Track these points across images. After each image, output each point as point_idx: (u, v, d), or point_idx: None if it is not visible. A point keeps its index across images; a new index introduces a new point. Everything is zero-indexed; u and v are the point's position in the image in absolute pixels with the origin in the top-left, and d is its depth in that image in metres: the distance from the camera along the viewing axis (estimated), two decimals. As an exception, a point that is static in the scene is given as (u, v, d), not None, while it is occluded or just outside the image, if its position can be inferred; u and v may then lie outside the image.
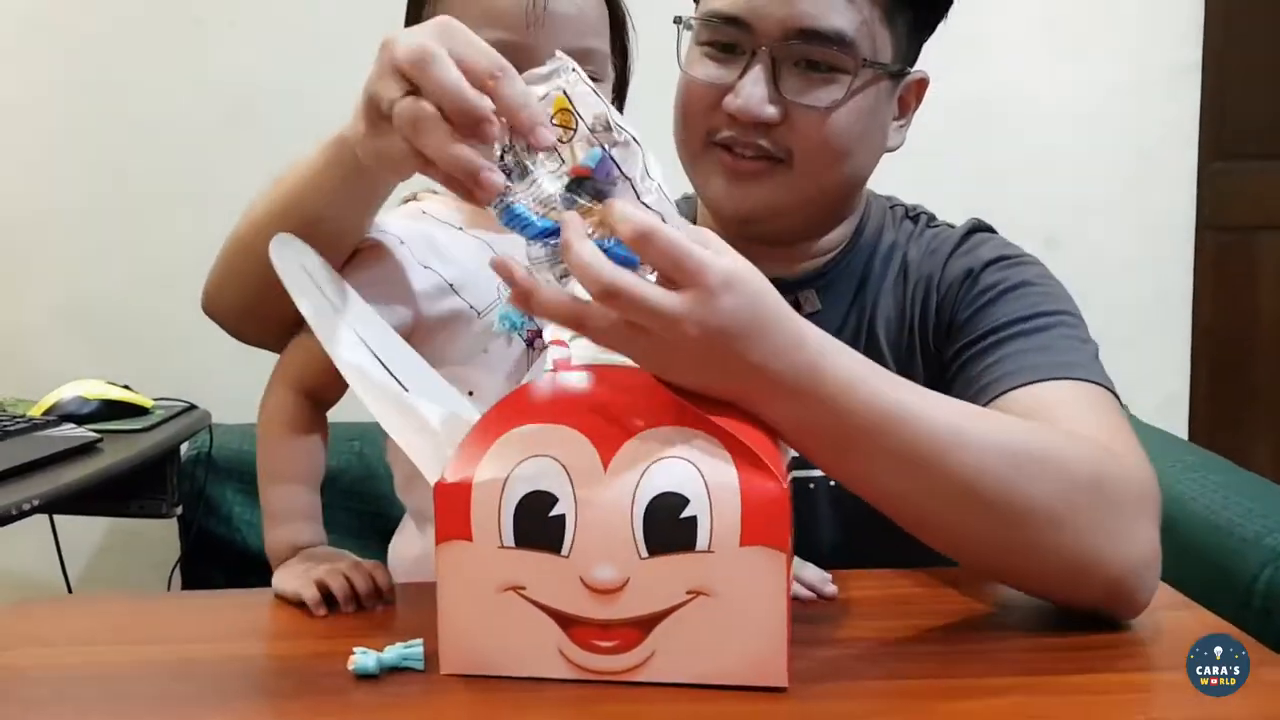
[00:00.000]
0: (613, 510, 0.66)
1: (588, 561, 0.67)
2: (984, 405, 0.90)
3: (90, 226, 2.08)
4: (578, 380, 0.70)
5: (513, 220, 0.68)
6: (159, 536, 1.79)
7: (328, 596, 0.82)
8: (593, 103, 0.68)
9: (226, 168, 2.02)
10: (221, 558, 1.73)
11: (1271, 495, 1.27)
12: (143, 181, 2.06)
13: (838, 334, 1.03)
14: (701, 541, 0.65)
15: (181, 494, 1.71)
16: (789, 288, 1.05)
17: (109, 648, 0.77)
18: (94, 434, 1.43)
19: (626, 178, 0.67)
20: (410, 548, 0.98)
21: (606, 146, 0.67)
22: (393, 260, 0.90)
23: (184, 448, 1.71)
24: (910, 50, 1.03)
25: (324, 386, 0.90)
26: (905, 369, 1.02)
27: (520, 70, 0.69)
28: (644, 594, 0.66)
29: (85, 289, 2.08)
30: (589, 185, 0.67)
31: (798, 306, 1.05)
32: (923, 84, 1.04)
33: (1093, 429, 0.82)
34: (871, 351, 1.03)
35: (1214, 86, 2.23)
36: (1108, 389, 0.90)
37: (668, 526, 0.66)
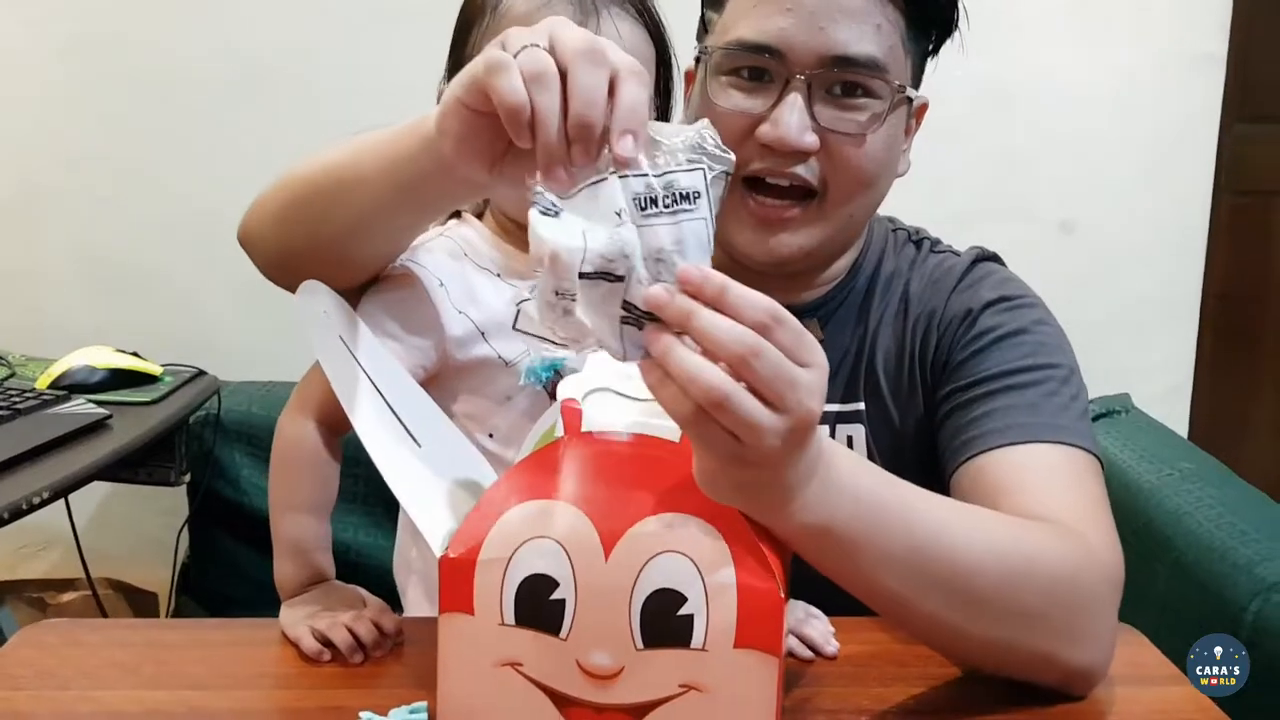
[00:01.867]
0: (611, 600, 0.68)
1: (585, 646, 0.68)
2: (966, 460, 0.91)
3: (101, 182, 2.06)
4: (585, 455, 0.71)
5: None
6: (168, 494, 1.81)
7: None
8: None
9: (237, 128, 2.01)
10: (229, 520, 1.75)
11: (1267, 516, 1.27)
12: (154, 139, 2.04)
13: (838, 364, 1.04)
14: (696, 639, 0.67)
15: (190, 455, 1.72)
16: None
17: (119, 693, 0.80)
18: (103, 410, 1.44)
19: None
20: (406, 551, 1.01)
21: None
22: (429, 300, 0.90)
23: (191, 411, 1.72)
24: (920, 74, 1.02)
25: (341, 416, 0.89)
26: (905, 403, 1.03)
27: None
28: (638, 683, 0.68)
29: (97, 243, 2.07)
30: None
31: (804, 336, 1.04)
32: (924, 108, 1.03)
33: (1068, 501, 0.85)
34: (870, 383, 1.04)
35: (1240, 52, 2.18)
36: (1088, 451, 0.90)
37: (664, 621, 0.67)
